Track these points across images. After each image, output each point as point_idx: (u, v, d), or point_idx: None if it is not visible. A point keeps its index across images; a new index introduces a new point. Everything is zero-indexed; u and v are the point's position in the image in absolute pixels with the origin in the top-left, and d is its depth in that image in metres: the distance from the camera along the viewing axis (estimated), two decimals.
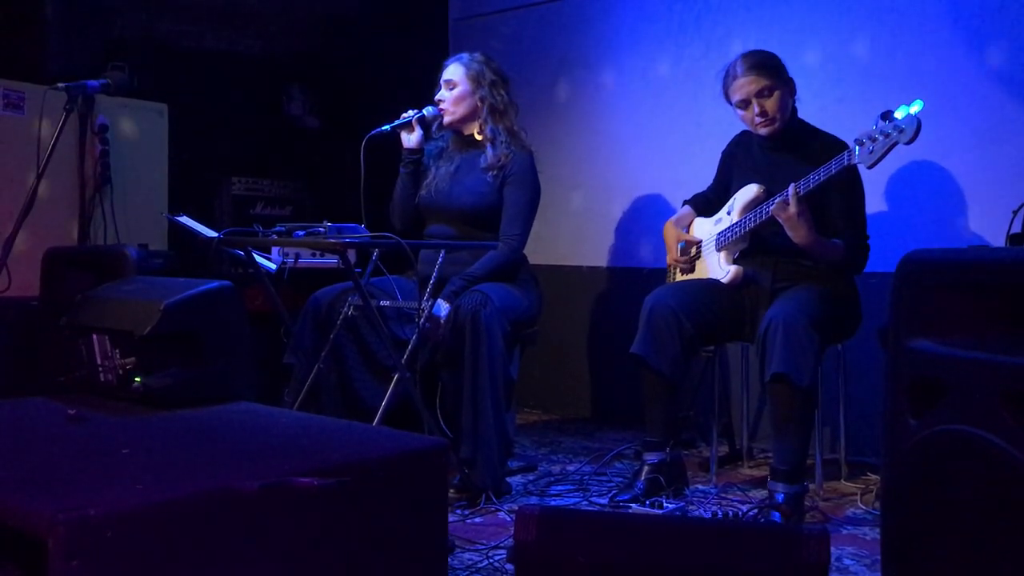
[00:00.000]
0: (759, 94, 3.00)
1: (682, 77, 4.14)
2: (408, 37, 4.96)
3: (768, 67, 3.01)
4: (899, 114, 2.62)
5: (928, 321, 1.60)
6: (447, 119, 3.35)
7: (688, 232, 3.32)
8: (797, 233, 2.84)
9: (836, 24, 3.67)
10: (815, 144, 3.04)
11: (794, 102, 3.08)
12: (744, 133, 3.25)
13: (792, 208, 2.81)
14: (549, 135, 4.42)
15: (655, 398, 2.99)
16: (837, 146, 2.94)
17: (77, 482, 1.47)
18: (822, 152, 2.91)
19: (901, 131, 2.61)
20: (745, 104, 3.04)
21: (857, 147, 2.70)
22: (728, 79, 3.06)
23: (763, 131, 3.05)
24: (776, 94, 3.00)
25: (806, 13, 3.76)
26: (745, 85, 3.01)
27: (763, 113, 3.01)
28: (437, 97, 3.35)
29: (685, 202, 3.44)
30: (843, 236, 2.95)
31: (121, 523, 1.30)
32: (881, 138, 2.65)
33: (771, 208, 2.88)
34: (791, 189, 2.83)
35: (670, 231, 3.36)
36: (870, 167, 2.71)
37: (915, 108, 2.60)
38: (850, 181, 2.93)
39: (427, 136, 3.42)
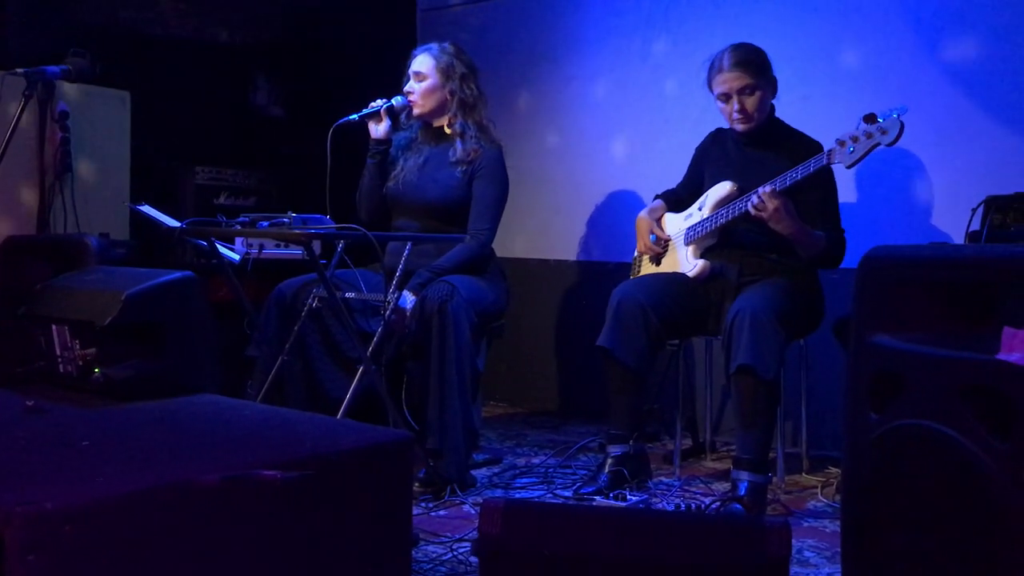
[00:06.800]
0: (741, 91, 3.01)
1: (649, 72, 4.16)
2: (375, 27, 4.93)
3: (754, 65, 3.02)
4: (882, 119, 2.67)
5: (889, 317, 1.62)
6: (416, 111, 3.33)
7: (659, 225, 3.34)
8: (782, 225, 2.85)
9: (804, 21, 3.70)
10: (790, 143, 3.06)
11: (772, 100, 3.10)
12: (719, 130, 3.28)
13: (772, 204, 2.82)
14: (516, 128, 4.41)
15: (620, 390, 3.00)
16: (814, 146, 2.97)
17: (35, 475, 1.45)
18: (798, 151, 2.94)
19: (884, 132, 2.66)
20: (726, 98, 3.06)
21: (838, 146, 2.75)
22: (713, 70, 3.07)
23: (739, 127, 3.08)
24: (758, 93, 3.02)
25: (773, 10, 3.78)
26: (729, 80, 3.02)
27: (742, 110, 3.03)
28: (406, 88, 3.32)
29: (657, 196, 3.44)
30: (820, 229, 2.97)
31: (80, 516, 1.28)
32: (864, 139, 2.69)
33: (749, 208, 2.88)
34: (766, 188, 2.84)
35: (643, 221, 3.35)
36: (848, 167, 2.76)
37: (899, 114, 2.66)
38: (824, 177, 2.96)
39: (395, 126, 3.39)
